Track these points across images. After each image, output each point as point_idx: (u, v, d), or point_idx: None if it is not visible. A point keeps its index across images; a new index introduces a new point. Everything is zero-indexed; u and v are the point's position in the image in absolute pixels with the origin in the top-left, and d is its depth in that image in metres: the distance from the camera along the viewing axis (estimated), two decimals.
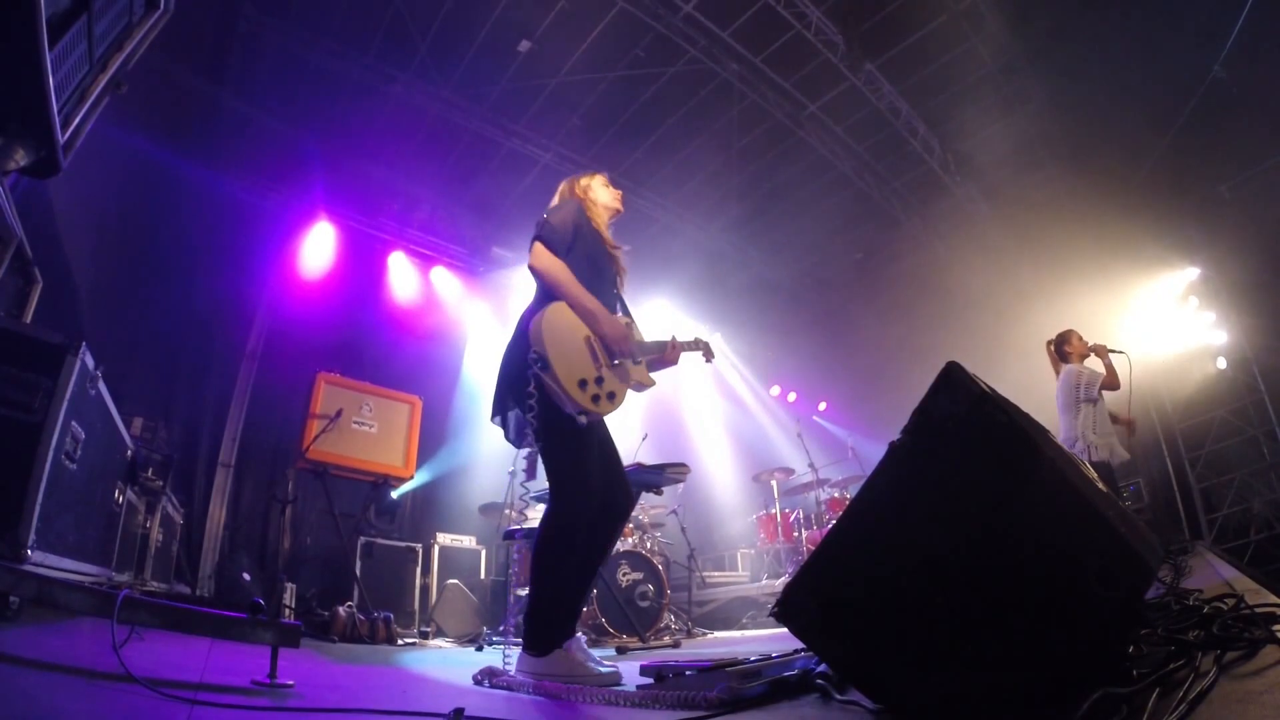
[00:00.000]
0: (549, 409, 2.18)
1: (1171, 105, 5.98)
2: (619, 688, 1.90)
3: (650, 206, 8.03)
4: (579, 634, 2.20)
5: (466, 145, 7.04)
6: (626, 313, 2.61)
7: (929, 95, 6.88)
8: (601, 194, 2.67)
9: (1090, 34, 5.73)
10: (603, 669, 2.07)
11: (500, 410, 2.39)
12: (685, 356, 2.74)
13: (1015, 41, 6.23)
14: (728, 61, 6.39)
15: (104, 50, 2.01)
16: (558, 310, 2.27)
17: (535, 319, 2.23)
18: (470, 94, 6.52)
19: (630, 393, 2.44)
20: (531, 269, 2.33)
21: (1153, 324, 7.08)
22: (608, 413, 2.24)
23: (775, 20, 5.99)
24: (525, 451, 2.28)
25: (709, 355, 2.90)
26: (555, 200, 2.67)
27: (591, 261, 2.46)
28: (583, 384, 2.19)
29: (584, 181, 2.69)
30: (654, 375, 2.62)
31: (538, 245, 2.32)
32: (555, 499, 2.26)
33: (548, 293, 2.33)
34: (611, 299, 2.51)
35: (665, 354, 2.61)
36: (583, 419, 2.16)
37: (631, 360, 2.43)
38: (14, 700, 1.11)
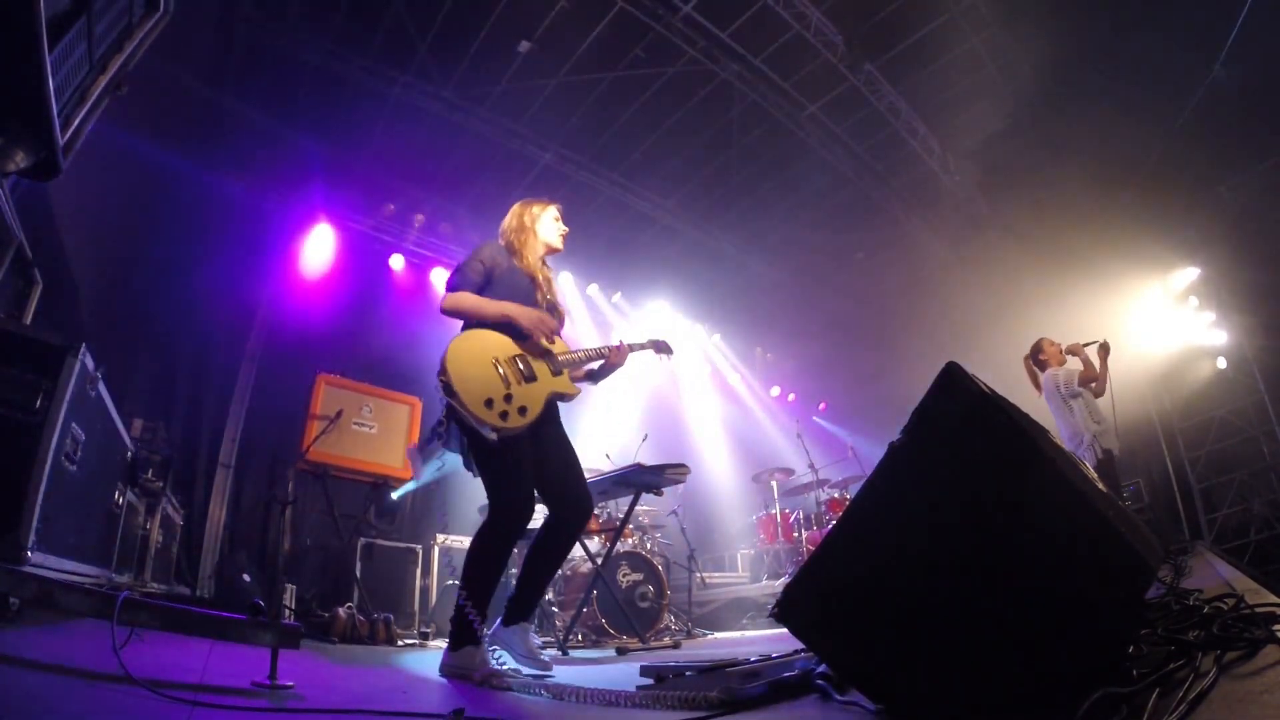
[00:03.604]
0: (467, 428, 2.31)
1: (1171, 105, 5.98)
2: (543, 678, 2.16)
3: (650, 207, 8.03)
4: (526, 625, 2.46)
5: (466, 145, 7.03)
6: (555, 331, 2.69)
7: (929, 95, 6.87)
8: (545, 227, 2.73)
9: (1090, 33, 5.72)
10: (502, 666, 2.24)
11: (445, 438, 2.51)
12: (637, 357, 2.83)
13: (1015, 42, 6.23)
14: (727, 62, 6.38)
15: (104, 51, 2.01)
16: (463, 338, 2.41)
17: (446, 349, 2.38)
18: (470, 94, 6.52)
19: (628, 394, 2.49)
20: (444, 312, 2.51)
21: (1153, 324, 7.08)
22: (520, 426, 2.33)
23: (775, 21, 5.99)
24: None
25: (662, 352, 2.96)
26: (505, 220, 2.75)
27: (512, 293, 2.54)
28: (489, 403, 2.29)
29: (535, 210, 2.75)
30: (606, 378, 2.75)
31: (445, 294, 2.50)
32: (488, 509, 2.44)
33: (464, 326, 2.48)
34: None
35: (611, 358, 2.67)
36: (493, 436, 2.26)
37: (552, 370, 2.52)
38: (14, 702, 1.11)
